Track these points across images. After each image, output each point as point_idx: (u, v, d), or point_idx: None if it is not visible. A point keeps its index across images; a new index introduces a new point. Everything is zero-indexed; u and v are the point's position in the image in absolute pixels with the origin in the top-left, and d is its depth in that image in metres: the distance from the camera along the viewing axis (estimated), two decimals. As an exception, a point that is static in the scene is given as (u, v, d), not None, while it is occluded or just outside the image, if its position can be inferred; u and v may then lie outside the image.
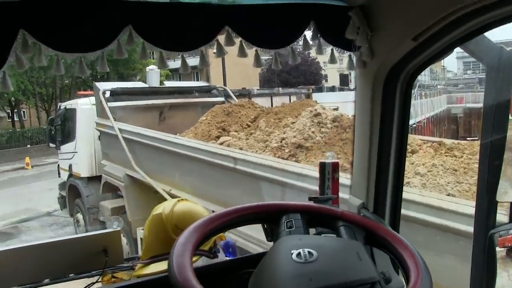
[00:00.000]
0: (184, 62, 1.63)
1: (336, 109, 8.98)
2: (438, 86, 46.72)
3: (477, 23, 1.35)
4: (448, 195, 4.67)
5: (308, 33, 1.65)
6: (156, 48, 1.47)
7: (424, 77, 37.95)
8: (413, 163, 5.63)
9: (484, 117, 1.85)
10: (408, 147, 6.17)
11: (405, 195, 3.49)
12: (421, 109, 29.63)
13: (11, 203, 17.43)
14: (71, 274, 2.46)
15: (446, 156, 5.82)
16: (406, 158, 5.46)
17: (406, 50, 1.55)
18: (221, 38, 1.55)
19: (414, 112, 26.78)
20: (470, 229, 3.06)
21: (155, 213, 2.41)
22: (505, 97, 1.84)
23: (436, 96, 38.76)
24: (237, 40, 1.56)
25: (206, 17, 1.50)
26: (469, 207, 3.21)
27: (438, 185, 5.05)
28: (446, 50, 1.52)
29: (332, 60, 1.74)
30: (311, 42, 1.67)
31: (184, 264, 1.20)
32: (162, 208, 2.41)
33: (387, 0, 1.57)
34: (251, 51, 1.65)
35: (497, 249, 1.81)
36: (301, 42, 1.67)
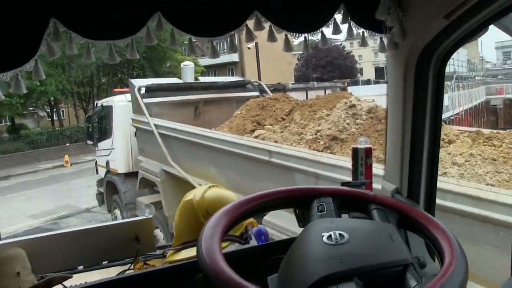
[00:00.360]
0: (213, 48, 1.62)
1: (372, 101, 8.87)
2: (476, 77, 45.91)
3: None
4: (487, 185, 4.56)
5: (338, 16, 1.62)
6: (185, 34, 1.47)
7: (461, 68, 37.33)
8: (450, 153, 5.52)
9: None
10: (444, 137, 6.06)
11: (442, 185, 3.46)
12: (459, 101, 29.12)
13: (51, 200, 17.97)
14: (104, 262, 2.50)
15: (485, 145, 5.68)
16: (443, 149, 5.38)
17: (439, 29, 1.51)
18: (250, 23, 1.54)
19: (451, 104, 26.37)
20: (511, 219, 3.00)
21: (186, 199, 2.42)
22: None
23: (474, 88, 38.04)
24: (266, 25, 1.55)
25: (234, 2, 1.49)
26: (510, 197, 3.13)
27: (477, 175, 4.93)
28: (480, 28, 1.47)
29: (363, 43, 1.71)
30: (341, 26, 1.64)
31: (213, 247, 1.18)
32: (193, 194, 2.41)
33: None
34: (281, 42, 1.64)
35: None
36: (331, 27, 1.64)
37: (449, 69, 31.35)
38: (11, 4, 1.26)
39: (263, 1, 1.50)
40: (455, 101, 28.16)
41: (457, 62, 35.61)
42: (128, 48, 1.49)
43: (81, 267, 2.44)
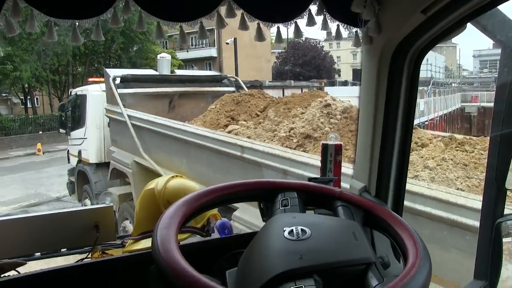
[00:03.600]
0: (182, 33, 1.56)
1: (347, 102, 8.94)
2: (453, 84, 46.62)
3: None
4: (457, 189, 4.60)
5: (313, 8, 1.58)
6: (153, 18, 1.41)
7: (439, 74, 37.85)
8: (422, 157, 5.57)
9: (496, 101, 1.77)
10: (418, 140, 6.12)
11: (412, 187, 3.47)
12: (434, 106, 29.51)
13: (22, 188, 17.83)
14: (63, 250, 2.44)
15: (457, 150, 5.74)
16: (415, 152, 5.41)
17: (415, 24, 1.48)
18: (222, 9, 1.49)
19: (427, 109, 26.70)
20: (478, 223, 3.01)
21: (148, 188, 2.38)
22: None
23: (450, 94, 38.63)
24: (239, 13, 1.50)
25: None
26: (478, 201, 3.15)
27: (447, 179, 4.98)
28: (457, 25, 1.44)
29: (338, 36, 1.67)
30: (316, 18, 1.60)
31: (168, 237, 1.14)
32: (155, 184, 2.38)
33: None
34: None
35: (504, 240, 1.74)
36: (306, 18, 1.60)
37: (426, 74, 31.75)
38: None
39: None
40: (431, 106, 28.52)
41: (435, 67, 36.09)
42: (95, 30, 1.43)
43: (38, 254, 2.38)
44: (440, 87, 37.15)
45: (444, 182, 4.96)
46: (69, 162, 12.92)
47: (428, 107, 27.52)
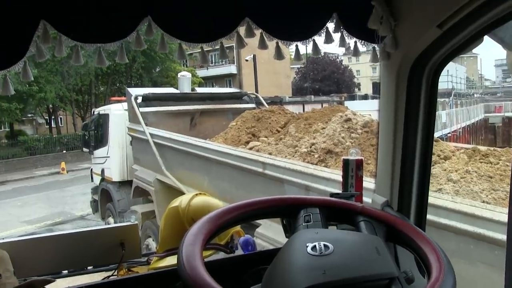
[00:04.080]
0: (203, 54, 1.59)
1: (368, 116, 8.88)
2: (475, 95, 46.10)
3: (507, 8, 1.28)
4: (483, 202, 4.52)
5: (330, 25, 1.60)
6: (175, 39, 1.45)
7: (460, 85, 37.50)
8: (445, 170, 5.49)
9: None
10: (440, 153, 6.04)
11: (436, 201, 3.42)
12: (457, 118, 29.17)
13: (47, 206, 18.04)
14: (89, 267, 2.48)
15: (481, 162, 5.65)
16: (438, 165, 5.34)
17: (432, 38, 1.48)
18: (242, 30, 1.52)
19: (449, 121, 26.43)
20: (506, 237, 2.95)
21: (172, 206, 2.41)
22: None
23: (473, 105, 38.18)
24: (258, 32, 1.53)
25: (226, 8, 1.48)
26: (505, 214, 3.09)
27: (472, 192, 4.90)
28: (474, 38, 1.44)
29: (356, 52, 1.69)
30: (333, 35, 1.62)
31: (194, 254, 1.16)
32: (179, 201, 2.40)
33: None
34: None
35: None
36: (323, 35, 1.62)
37: (447, 85, 31.47)
38: (2, 5, 1.24)
39: (254, 8, 1.49)
40: (453, 118, 28.22)
41: (456, 79, 35.75)
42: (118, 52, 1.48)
43: (65, 272, 2.43)
44: (462, 98, 36.79)
45: (469, 195, 4.88)
46: (92, 181, 13.06)
47: (450, 118, 27.24)
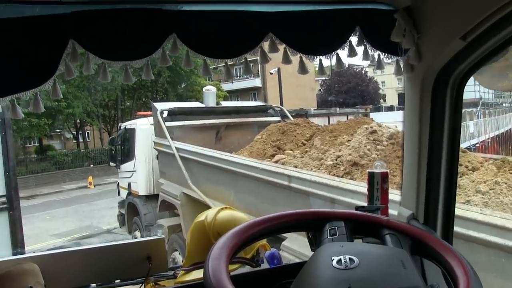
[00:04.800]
0: (228, 70, 1.62)
1: (394, 127, 8.81)
2: (504, 104, 45.22)
3: None
4: (513, 214, 4.44)
5: (353, 39, 1.61)
6: (199, 56, 1.48)
7: (488, 94, 36.93)
8: (473, 181, 5.41)
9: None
10: (468, 164, 5.95)
11: (465, 213, 3.37)
12: (485, 128, 28.68)
13: (74, 220, 18.25)
14: (117, 280, 2.50)
15: (511, 173, 5.55)
16: (466, 176, 5.26)
17: (455, 50, 1.48)
18: (265, 45, 1.54)
19: (477, 132, 26.03)
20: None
21: (198, 220, 2.42)
22: None
23: (502, 115, 37.48)
24: (281, 47, 1.54)
25: (249, 24, 1.51)
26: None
27: (502, 204, 4.81)
28: (498, 50, 1.43)
29: (379, 65, 1.69)
30: (356, 48, 1.63)
31: (220, 268, 1.17)
32: (205, 216, 2.42)
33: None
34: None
35: None
36: (347, 49, 1.63)
37: (474, 95, 31.03)
38: (32, 24, 1.29)
39: (277, 24, 1.51)
40: (481, 128, 27.77)
41: (483, 88, 35.22)
42: (144, 69, 1.51)
43: (93, 285, 2.46)
44: (490, 107, 36.20)
45: (499, 206, 4.80)
46: (119, 195, 13.18)
47: (478, 129, 26.83)
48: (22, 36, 1.29)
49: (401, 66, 1.69)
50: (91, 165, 34.10)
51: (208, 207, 7.40)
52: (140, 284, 2.45)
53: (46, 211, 20.62)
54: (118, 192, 13.20)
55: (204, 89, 12.35)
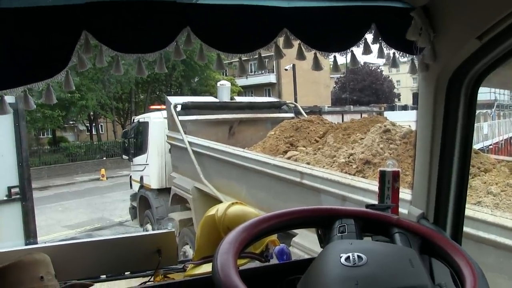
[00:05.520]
0: (241, 65, 1.63)
1: (408, 127, 8.77)
2: (520, 106, 44.71)
3: None
4: (525, 216, 4.42)
5: (368, 36, 1.61)
6: (213, 50, 1.48)
7: (503, 96, 36.58)
8: (485, 182, 5.37)
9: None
10: (480, 165, 5.92)
11: (475, 214, 3.37)
12: (499, 129, 28.44)
13: (86, 212, 18.35)
14: (127, 272, 2.52)
15: (523, 176, 5.52)
16: (478, 177, 5.23)
17: (471, 50, 1.47)
18: (280, 40, 1.54)
19: (491, 133, 25.83)
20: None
21: (208, 214, 2.43)
22: None
23: (517, 116, 37.06)
24: (296, 43, 1.55)
25: (264, 19, 1.51)
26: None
27: (513, 206, 4.79)
28: None
29: (394, 64, 1.69)
30: (371, 46, 1.63)
31: (228, 262, 1.18)
32: (216, 210, 2.43)
33: None
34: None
35: None
36: (362, 47, 1.63)
37: (489, 96, 30.75)
38: (46, 16, 1.30)
39: (292, 19, 1.51)
40: (495, 129, 27.55)
41: (498, 89, 34.86)
42: (157, 63, 1.52)
43: (103, 276, 2.48)
44: (505, 109, 35.88)
45: (510, 208, 4.77)
46: (131, 188, 13.25)
47: (492, 130, 26.62)
48: (34, 26, 1.29)
49: (416, 65, 1.68)
50: (104, 158, 34.23)
51: (219, 201, 7.40)
52: (150, 277, 2.47)
53: (58, 202, 20.75)
54: (131, 185, 13.26)
55: (218, 83, 12.36)
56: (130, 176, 13.29)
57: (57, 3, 1.30)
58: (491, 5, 1.34)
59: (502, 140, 28.10)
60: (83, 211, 18.71)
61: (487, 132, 25.01)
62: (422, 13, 1.55)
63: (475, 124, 1.77)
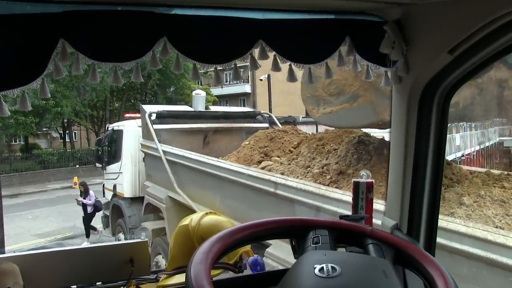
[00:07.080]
0: (217, 75, 1.63)
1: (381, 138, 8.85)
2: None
3: None
4: (496, 227, 4.46)
5: (343, 49, 1.62)
6: (189, 60, 1.48)
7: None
8: (457, 193, 5.43)
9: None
10: (453, 176, 5.98)
11: (448, 225, 3.40)
12: (471, 141, 28.90)
13: (58, 220, 18.17)
14: (98, 283, 2.48)
15: (494, 187, 5.57)
16: (451, 188, 5.29)
17: (443, 64, 1.51)
18: (255, 52, 1.54)
19: (463, 144, 26.24)
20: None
21: (182, 224, 2.42)
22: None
23: (488, 128, 37.74)
24: (271, 54, 1.55)
25: (240, 30, 1.52)
26: (519, 240, 3.05)
27: (485, 217, 4.84)
28: (485, 64, 1.46)
29: (367, 76, 1.70)
30: (345, 58, 1.64)
31: (202, 273, 1.16)
32: (190, 220, 2.42)
33: (423, 13, 1.54)
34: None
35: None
36: (336, 59, 1.64)
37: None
38: (23, 24, 1.29)
39: (267, 31, 1.52)
40: (467, 141, 27.97)
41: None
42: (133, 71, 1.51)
43: (74, 287, 2.43)
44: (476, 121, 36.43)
45: (481, 219, 4.83)
46: (104, 196, 13.18)
47: (464, 141, 27.01)
48: (11, 33, 1.28)
49: (389, 77, 1.70)
50: (77, 166, 33.88)
51: (193, 211, 7.37)
52: (122, 287, 2.44)
53: (29, 210, 20.51)
54: (103, 193, 13.17)
55: (193, 93, 12.40)
56: (103, 185, 13.19)
57: (34, 11, 1.29)
58: (462, 20, 1.37)
59: (473, 151, 28.55)
60: (54, 220, 18.50)
61: (459, 143, 25.38)
62: (395, 27, 1.57)
63: (448, 136, 1.79)
